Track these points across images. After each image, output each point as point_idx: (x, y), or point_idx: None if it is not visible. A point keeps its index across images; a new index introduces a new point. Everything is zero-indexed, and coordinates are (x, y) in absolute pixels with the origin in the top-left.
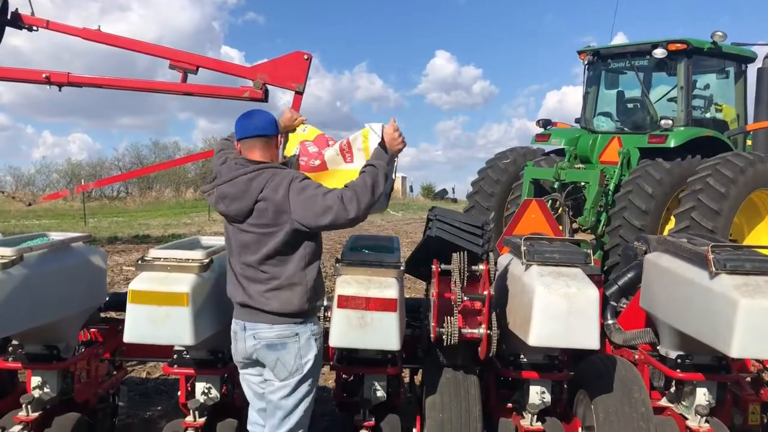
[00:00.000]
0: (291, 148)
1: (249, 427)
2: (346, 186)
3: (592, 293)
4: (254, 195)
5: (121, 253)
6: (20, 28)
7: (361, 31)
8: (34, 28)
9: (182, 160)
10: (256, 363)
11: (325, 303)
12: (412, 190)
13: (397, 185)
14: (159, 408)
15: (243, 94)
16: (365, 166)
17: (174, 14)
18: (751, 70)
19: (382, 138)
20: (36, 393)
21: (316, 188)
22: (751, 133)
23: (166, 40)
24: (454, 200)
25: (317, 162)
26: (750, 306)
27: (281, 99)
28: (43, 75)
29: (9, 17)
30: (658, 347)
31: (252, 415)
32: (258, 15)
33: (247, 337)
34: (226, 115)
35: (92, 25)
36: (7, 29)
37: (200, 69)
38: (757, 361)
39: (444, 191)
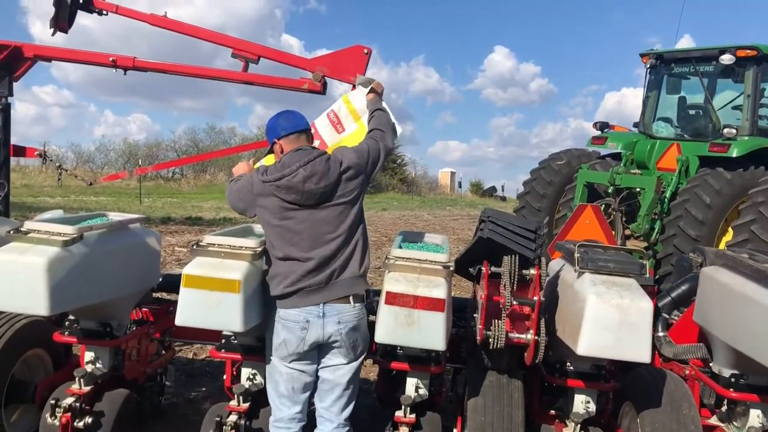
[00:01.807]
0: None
1: (281, 425)
2: (371, 131)
3: (646, 305)
4: (337, 168)
5: (174, 233)
6: (91, 11)
7: (420, 23)
8: (104, 12)
9: (238, 148)
10: (316, 349)
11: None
12: (460, 186)
13: (446, 180)
14: (204, 389)
15: (302, 86)
16: (375, 110)
17: (238, 1)
18: None
19: (371, 90)
20: (89, 368)
21: (360, 146)
22: None
23: (229, 26)
24: (503, 198)
25: (317, 143)
26: None
27: (338, 89)
28: (110, 59)
29: (81, 1)
30: (710, 364)
31: (287, 410)
32: (319, 4)
33: (327, 322)
34: (282, 102)
35: (159, 8)
36: (79, 12)
37: (261, 59)
38: None
39: (493, 189)
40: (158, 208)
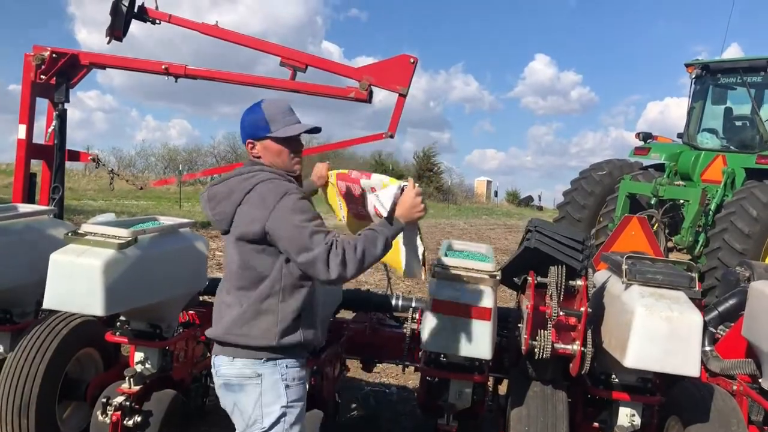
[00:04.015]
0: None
1: None
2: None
3: (696, 319)
4: (240, 196)
5: (215, 238)
6: (145, 20)
7: (462, 30)
8: (157, 21)
9: None
10: None
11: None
12: (496, 195)
13: (482, 189)
14: None
15: (349, 94)
16: (368, 229)
17: (280, 8)
18: None
19: (394, 205)
20: (138, 368)
21: (310, 220)
22: None
23: (270, 33)
24: (540, 208)
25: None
26: None
27: (377, 95)
28: (163, 66)
29: (136, 10)
30: (759, 380)
31: None
32: (360, 11)
33: (214, 374)
34: (319, 109)
35: (202, 15)
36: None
37: (309, 67)
38: None
39: (530, 198)
40: (198, 212)
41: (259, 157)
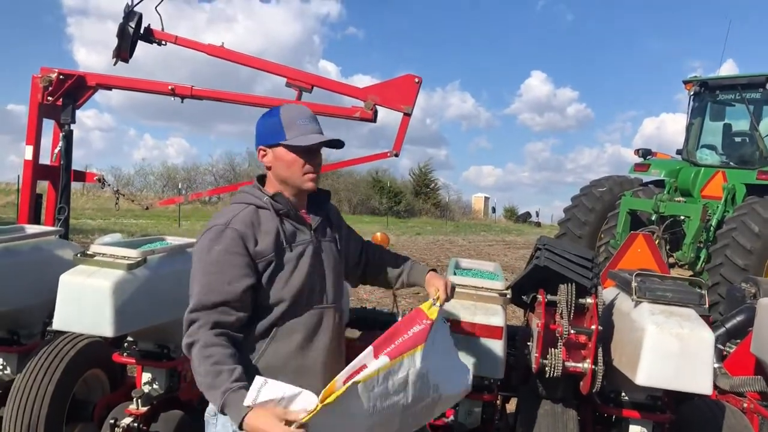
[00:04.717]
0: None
1: None
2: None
3: (707, 335)
4: None
5: None
6: (151, 42)
7: (458, 48)
8: (163, 42)
9: None
10: None
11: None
12: (494, 211)
13: (480, 205)
14: None
15: (354, 114)
16: (229, 364)
17: (277, 27)
18: None
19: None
20: (146, 388)
21: (207, 266)
22: None
23: (268, 52)
24: (538, 224)
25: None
26: None
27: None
28: (169, 87)
29: (142, 32)
30: None
31: None
32: (358, 30)
33: None
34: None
35: (200, 34)
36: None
37: (314, 88)
38: None
39: (527, 214)
40: (197, 231)
41: (269, 168)
